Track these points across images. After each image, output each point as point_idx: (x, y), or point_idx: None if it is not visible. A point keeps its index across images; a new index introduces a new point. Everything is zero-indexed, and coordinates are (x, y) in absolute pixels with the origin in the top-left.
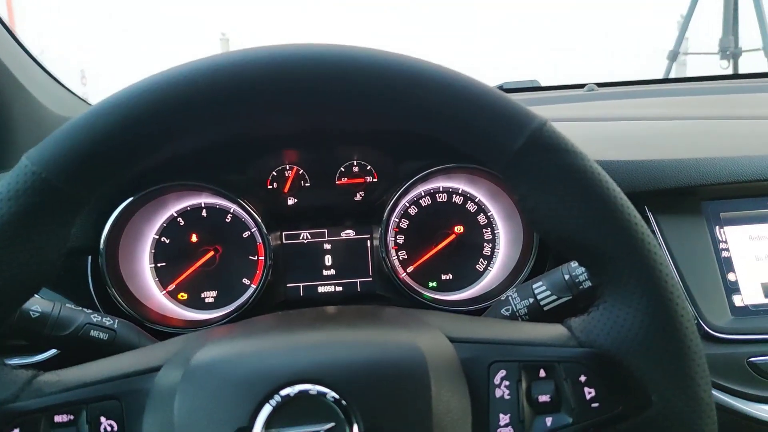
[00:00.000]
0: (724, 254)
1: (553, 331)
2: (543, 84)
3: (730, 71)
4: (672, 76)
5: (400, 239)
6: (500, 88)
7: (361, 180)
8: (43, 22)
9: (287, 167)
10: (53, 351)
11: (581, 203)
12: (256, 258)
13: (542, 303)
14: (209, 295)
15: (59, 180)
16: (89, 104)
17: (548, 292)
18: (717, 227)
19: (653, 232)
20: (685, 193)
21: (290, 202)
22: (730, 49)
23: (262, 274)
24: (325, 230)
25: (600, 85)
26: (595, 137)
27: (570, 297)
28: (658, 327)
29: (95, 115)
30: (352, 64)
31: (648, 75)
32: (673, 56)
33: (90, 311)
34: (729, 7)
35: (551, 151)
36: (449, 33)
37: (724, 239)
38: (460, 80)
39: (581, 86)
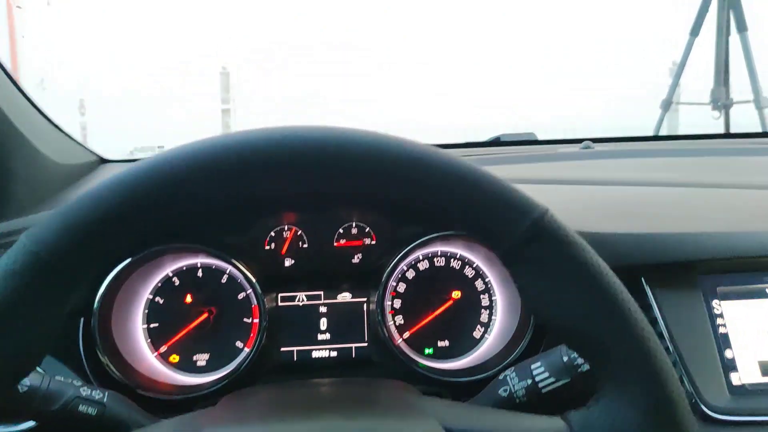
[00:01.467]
0: (721, 330)
1: (552, 425)
2: (540, 136)
3: (721, 121)
4: (665, 124)
5: (397, 303)
6: (497, 139)
7: (359, 242)
8: (44, 51)
9: (285, 228)
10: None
11: (582, 297)
12: (250, 320)
13: (540, 385)
14: (201, 358)
15: (58, 260)
16: (89, 150)
17: (546, 374)
18: (714, 301)
19: (649, 305)
20: (682, 267)
21: (287, 263)
22: (721, 100)
23: (257, 338)
24: (322, 293)
25: (595, 140)
26: (592, 205)
27: (568, 380)
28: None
29: (94, 197)
30: (353, 147)
31: (641, 116)
32: (666, 105)
33: (79, 383)
34: (720, 60)
35: (552, 241)
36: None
37: (721, 314)
38: (461, 167)
39: (578, 141)
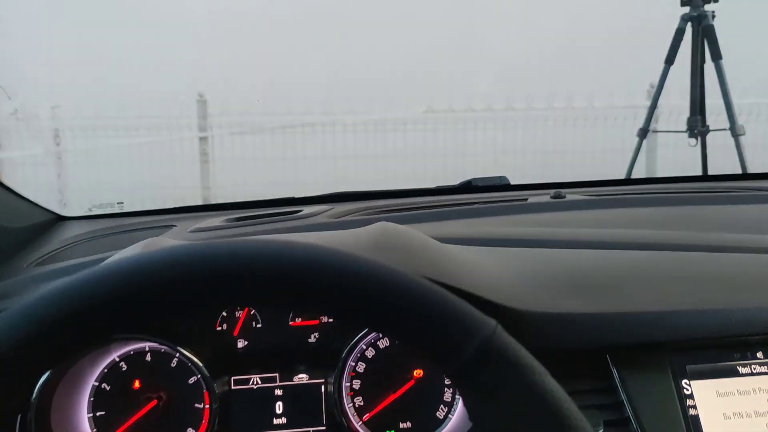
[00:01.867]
0: (692, 412)
1: None
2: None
3: (698, 149)
4: (642, 151)
5: (357, 384)
6: (468, 183)
7: (316, 321)
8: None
9: (238, 308)
10: None
11: (532, 424)
12: (202, 406)
13: None
14: None
15: (13, 357)
16: (44, 209)
17: None
18: (684, 381)
19: (615, 387)
20: (652, 346)
21: (240, 344)
22: (697, 128)
23: (209, 425)
24: (277, 374)
25: (565, 185)
26: (558, 274)
27: None
28: None
29: (46, 300)
30: (285, 264)
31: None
32: (643, 133)
33: None
34: (696, 88)
35: (500, 366)
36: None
37: (690, 394)
38: (401, 281)
39: (548, 186)
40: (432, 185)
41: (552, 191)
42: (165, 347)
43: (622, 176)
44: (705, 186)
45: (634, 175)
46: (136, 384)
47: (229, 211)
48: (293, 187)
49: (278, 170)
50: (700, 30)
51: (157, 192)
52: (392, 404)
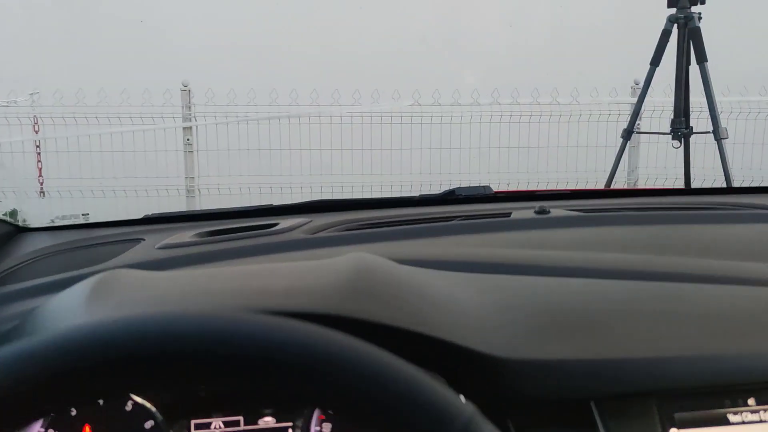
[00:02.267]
0: None
1: None
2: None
3: (681, 150)
4: (626, 153)
5: (327, 428)
6: (451, 193)
7: None
8: None
9: None
10: None
11: None
12: None
13: None
14: None
15: None
16: (2, 220)
17: None
18: (672, 430)
19: None
20: (637, 394)
21: None
22: (681, 130)
23: None
24: (241, 418)
25: (549, 196)
26: (539, 310)
27: None
28: None
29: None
30: (243, 342)
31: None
32: (628, 135)
33: None
34: (680, 90)
35: None
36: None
37: None
38: (371, 363)
39: (533, 197)
40: (417, 178)
41: (536, 204)
42: None
43: (606, 172)
44: (691, 202)
45: (618, 174)
46: (87, 430)
47: (201, 222)
48: (278, 178)
49: (263, 161)
50: (686, 32)
51: (140, 181)
52: None
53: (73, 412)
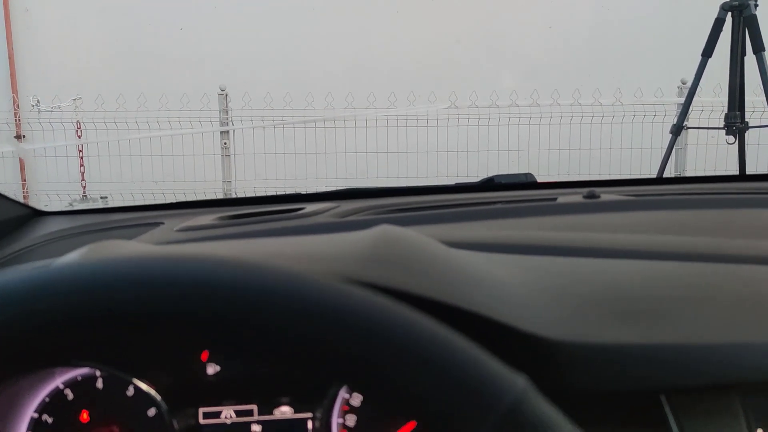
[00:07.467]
0: None
1: None
2: (539, 177)
3: (735, 148)
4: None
5: (351, 420)
6: (490, 180)
7: None
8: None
9: None
10: None
11: None
12: None
13: None
14: None
15: None
16: (20, 204)
17: None
18: (760, 431)
19: None
20: (717, 388)
21: (210, 370)
22: (736, 124)
23: None
24: (255, 407)
25: (597, 184)
26: (593, 294)
27: None
28: None
29: None
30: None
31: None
32: (677, 130)
33: None
34: (734, 82)
35: None
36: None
37: None
38: (403, 323)
39: (580, 184)
40: (454, 181)
41: (584, 190)
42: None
43: (651, 175)
44: (745, 187)
45: (665, 175)
46: (84, 416)
47: (224, 208)
48: (314, 182)
49: (299, 165)
50: (741, 20)
51: (178, 185)
52: None
53: (69, 396)
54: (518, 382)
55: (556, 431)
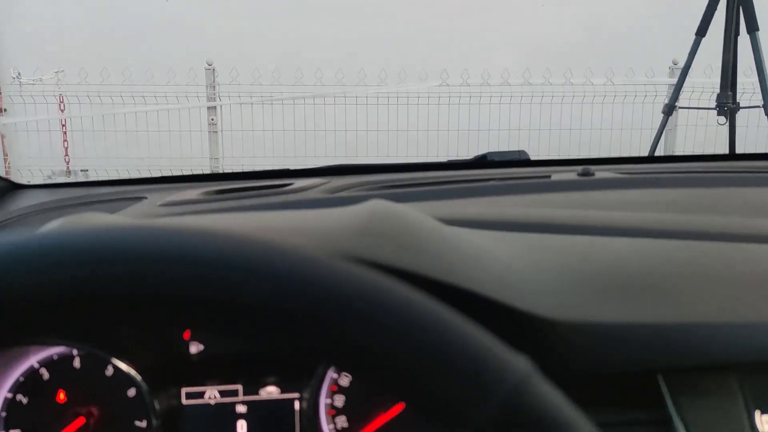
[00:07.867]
0: None
1: None
2: (531, 156)
3: (725, 129)
4: (667, 128)
5: (339, 401)
6: (483, 158)
7: None
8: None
9: None
10: None
11: None
12: (144, 424)
13: None
14: None
15: None
16: None
17: None
18: (758, 413)
19: (669, 417)
20: (715, 368)
21: (193, 349)
22: (728, 105)
23: None
24: (240, 387)
25: (593, 161)
26: (590, 271)
27: None
28: None
29: None
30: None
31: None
32: (669, 110)
33: None
34: (727, 62)
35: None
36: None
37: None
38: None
39: (574, 162)
40: (445, 159)
41: (578, 168)
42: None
43: (642, 155)
44: (738, 166)
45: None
46: (61, 396)
47: (210, 183)
48: (303, 160)
49: (288, 142)
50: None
51: (163, 162)
52: (384, 427)
53: (45, 375)
54: (521, 363)
55: (560, 414)
